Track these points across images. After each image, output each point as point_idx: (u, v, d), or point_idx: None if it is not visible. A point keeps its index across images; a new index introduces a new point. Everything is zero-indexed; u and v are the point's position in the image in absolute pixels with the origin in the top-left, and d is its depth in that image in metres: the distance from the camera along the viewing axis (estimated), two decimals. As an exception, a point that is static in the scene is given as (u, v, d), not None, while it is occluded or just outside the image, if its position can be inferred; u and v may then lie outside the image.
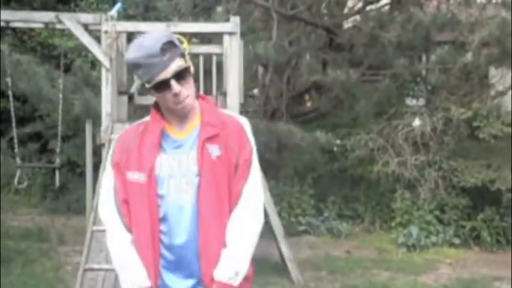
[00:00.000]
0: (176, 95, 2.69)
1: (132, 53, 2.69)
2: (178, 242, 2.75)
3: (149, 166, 2.75)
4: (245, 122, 2.92)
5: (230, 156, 2.77)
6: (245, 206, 2.79)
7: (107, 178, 2.89)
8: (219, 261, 2.76)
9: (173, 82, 2.66)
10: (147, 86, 2.72)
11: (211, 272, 2.76)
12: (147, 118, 2.89)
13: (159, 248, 2.77)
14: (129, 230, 2.80)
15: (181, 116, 2.80)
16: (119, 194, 2.82)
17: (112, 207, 2.83)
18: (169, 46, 2.65)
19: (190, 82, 2.76)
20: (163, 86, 2.68)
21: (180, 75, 2.69)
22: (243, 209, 2.79)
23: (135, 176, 2.76)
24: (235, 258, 2.79)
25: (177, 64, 2.68)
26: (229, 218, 2.78)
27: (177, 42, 2.71)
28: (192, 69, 2.79)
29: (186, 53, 2.77)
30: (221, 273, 2.75)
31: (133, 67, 2.71)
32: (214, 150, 2.74)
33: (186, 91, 2.72)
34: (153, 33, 2.72)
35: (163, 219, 2.77)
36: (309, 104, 14.55)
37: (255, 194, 2.82)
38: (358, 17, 12.05)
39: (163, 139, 2.80)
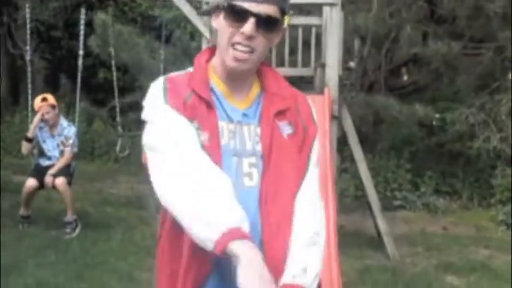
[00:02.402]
0: (246, 37, 2.04)
1: None
2: None
3: (212, 126, 2.08)
4: (309, 100, 2.30)
5: (300, 132, 2.17)
6: (310, 189, 2.17)
7: (170, 122, 2.07)
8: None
9: (252, 20, 2.02)
10: (223, 3, 2.08)
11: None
12: (189, 70, 2.22)
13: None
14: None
15: (239, 75, 2.15)
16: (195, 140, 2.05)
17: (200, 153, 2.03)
18: None
19: (268, 42, 2.10)
20: (239, 16, 2.03)
21: (266, 22, 2.04)
22: (308, 191, 2.16)
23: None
24: (303, 251, 2.09)
25: (271, 9, 2.04)
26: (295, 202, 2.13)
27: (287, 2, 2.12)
28: (281, 34, 2.16)
29: (288, 10, 2.11)
30: (285, 274, 2.04)
31: None
32: (285, 127, 2.15)
33: (259, 45, 2.07)
34: None
35: None
36: (406, 78, 14.33)
37: (316, 173, 2.22)
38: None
39: (220, 104, 2.15)
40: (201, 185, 1.94)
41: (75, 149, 8.59)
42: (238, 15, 2.03)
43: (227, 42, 2.07)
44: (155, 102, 2.11)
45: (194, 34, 12.24)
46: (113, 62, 11.12)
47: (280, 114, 2.15)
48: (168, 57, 11.52)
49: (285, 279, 2.03)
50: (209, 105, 2.09)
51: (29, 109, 9.92)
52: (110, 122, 14.76)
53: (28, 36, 10.28)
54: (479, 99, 10.47)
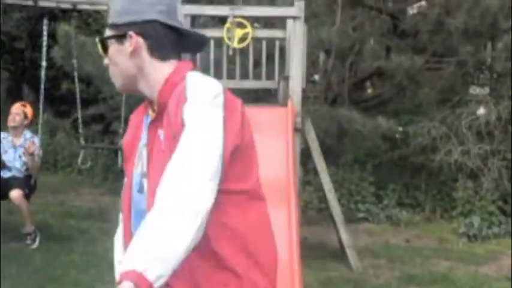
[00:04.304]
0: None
1: None
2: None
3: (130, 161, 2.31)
4: (191, 77, 2.14)
5: (168, 133, 2.07)
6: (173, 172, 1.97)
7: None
8: None
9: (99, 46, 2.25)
10: None
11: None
12: None
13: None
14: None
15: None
16: None
17: None
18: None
19: (118, 55, 2.20)
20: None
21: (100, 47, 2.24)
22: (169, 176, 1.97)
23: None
24: (143, 236, 1.90)
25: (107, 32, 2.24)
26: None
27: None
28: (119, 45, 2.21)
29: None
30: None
31: None
32: (161, 135, 2.12)
33: (111, 59, 2.23)
34: None
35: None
36: (370, 91, 14.44)
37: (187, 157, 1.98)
38: (423, 3, 11.87)
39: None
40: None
41: (39, 160, 8.54)
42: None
43: None
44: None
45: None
46: (75, 74, 11.05)
47: (155, 122, 2.16)
48: (132, 69, 11.48)
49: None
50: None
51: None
52: (73, 133, 14.66)
53: (-10, 47, 10.21)
54: (441, 113, 10.58)
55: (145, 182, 2.17)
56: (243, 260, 2.10)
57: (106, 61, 2.25)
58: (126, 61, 2.19)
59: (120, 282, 1.80)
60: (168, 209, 1.88)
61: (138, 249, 1.85)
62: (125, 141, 2.37)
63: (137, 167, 2.23)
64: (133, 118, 2.39)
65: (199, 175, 1.93)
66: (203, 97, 2.04)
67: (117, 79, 2.24)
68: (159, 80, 2.16)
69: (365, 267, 8.08)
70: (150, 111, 2.26)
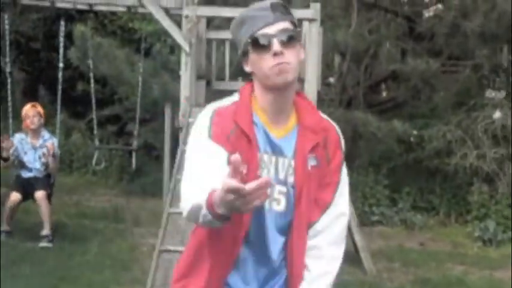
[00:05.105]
0: (277, 54, 2.26)
1: (241, 12, 2.40)
2: (263, 252, 2.42)
3: (251, 158, 2.33)
4: (336, 126, 2.51)
5: (324, 165, 2.41)
6: (334, 223, 2.44)
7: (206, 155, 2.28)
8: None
9: (275, 40, 2.27)
10: (246, 42, 2.34)
11: None
12: (235, 98, 2.46)
13: (237, 251, 2.38)
14: None
15: (279, 104, 2.37)
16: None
17: None
18: (280, 7, 2.33)
19: (297, 53, 2.33)
20: (263, 43, 2.29)
21: (286, 38, 2.29)
22: (330, 227, 2.43)
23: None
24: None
25: (285, 25, 2.31)
26: (314, 230, 2.42)
27: (290, 10, 2.38)
28: (302, 41, 2.48)
29: (297, 22, 2.39)
30: None
31: (238, 25, 2.38)
32: (311, 160, 2.38)
33: (290, 57, 2.29)
34: None
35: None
36: (385, 94, 14.41)
37: (345, 206, 2.48)
38: (439, 6, 11.83)
39: (259, 133, 2.38)
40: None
41: (57, 160, 8.63)
42: (263, 44, 2.29)
43: (265, 72, 2.31)
44: (199, 135, 2.36)
45: (174, 47, 12.25)
46: (91, 75, 11.10)
47: (312, 148, 2.39)
48: (147, 70, 11.51)
49: None
50: (249, 140, 2.34)
51: (10, 120, 9.89)
52: (88, 134, 14.70)
53: (7, 48, 10.23)
54: (457, 116, 10.54)
55: (282, 196, 2.40)
56: None
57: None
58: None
59: None
60: None
61: None
62: None
63: (263, 171, 2.38)
64: None
65: None
66: None
67: (294, 73, 2.34)
68: None
69: (379, 271, 8.06)
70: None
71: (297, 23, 2.37)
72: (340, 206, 2.45)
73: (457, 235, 10.31)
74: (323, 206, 2.41)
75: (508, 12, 9.68)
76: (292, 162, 2.38)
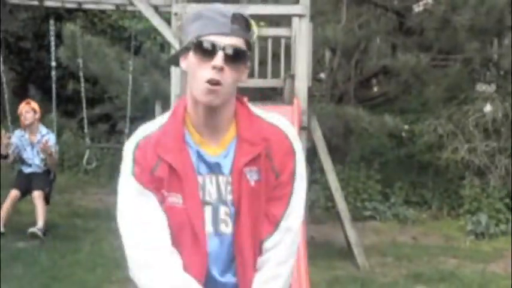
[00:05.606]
0: (216, 68, 2.10)
1: (203, 7, 2.21)
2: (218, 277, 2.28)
3: (189, 186, 2.21)
4: (289, 130, 2.34)
5: (270, 178, 2.24)
6: (283, 240, 2.30)
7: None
8: None
9: (221, 53, 2.09)
10: (192, 41, 2.16)
11: None
12: (164, 119, 2.31)
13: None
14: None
15: (212, 120, 2.23)
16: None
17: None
18: (242, 21, 2.16)
19: (238, 75, 2.19)
20: (208, 51, 2.11)
21: (233, 56, 2.12)
22: (280, 243, 2.29)
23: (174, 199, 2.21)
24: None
25: (238, 41, 2.14)
26: (264, 248, 2.28)
27: (251, 30, 2.20)
28: (248, 68, 2.26)
29: (253, 42, 2.23)
30: None
31: (193, 19, 2.21)
32: (253, 174, 2.22)
33: (228, 77, 2.14)
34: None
35: None
36: (376, 89, 14.42)
37: (295, 221, 2.33)
38: (429, 0, 11.84)
39: (193, 155, 2.23)
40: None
41: (56, 155, 8.74)
42: (207, 50, 2.11)
43: (199, 78, 2.13)
44: (124, 171, 2.27)
45: (164, 45, 12.23)
46: (81, 73, 11.08)
47: (249, 162, 2.21)
48: (137, 69, 11.48)
49: None
50: (175, 169, 2.19)
51: (9, 118, 9.93)
52: (79, 133, 14.67)
53: (-3, 48, 10.23)
54: (447, 110, 10.56)
55: (227, 217, 2.25)
56: None
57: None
58: None
59: None
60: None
61: None
62: None
63: (203, 195, 2.25)
64: None
65: None
66: None
67: (223, 96, 2.22)
68: None
69: (372, 266, 8.06)
70: None
71: (251, 46, 2.22)
72: (290, 222, 2.30)
73: (449, 229, 10.33)
74: (274, 222, 2.27)
75: (498, 5, 9.69)
76: (230, 179, 2.23)
